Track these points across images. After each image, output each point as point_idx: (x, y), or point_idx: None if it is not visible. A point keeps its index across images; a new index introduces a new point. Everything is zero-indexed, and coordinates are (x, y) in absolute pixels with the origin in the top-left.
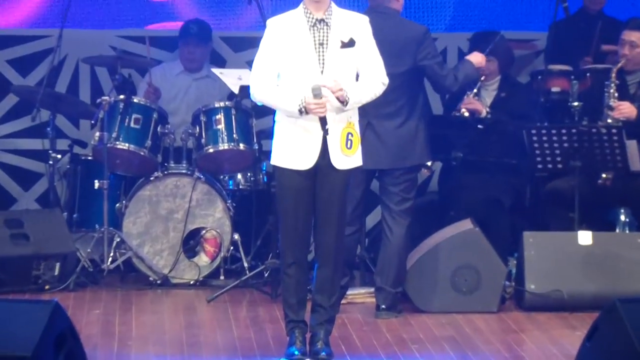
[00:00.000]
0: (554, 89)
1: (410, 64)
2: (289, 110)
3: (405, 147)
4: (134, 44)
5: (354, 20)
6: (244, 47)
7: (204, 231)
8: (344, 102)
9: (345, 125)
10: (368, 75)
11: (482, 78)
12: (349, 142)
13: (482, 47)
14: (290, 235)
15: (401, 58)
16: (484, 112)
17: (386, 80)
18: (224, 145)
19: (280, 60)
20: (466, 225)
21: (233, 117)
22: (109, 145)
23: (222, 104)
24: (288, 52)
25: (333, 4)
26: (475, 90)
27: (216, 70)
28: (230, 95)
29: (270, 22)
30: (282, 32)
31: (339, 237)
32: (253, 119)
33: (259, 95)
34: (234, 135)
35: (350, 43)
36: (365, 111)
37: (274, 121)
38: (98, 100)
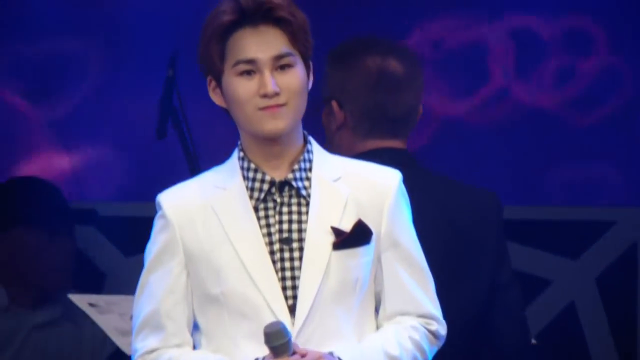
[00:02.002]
0: None
1: (487, 284)
2: None
3: None
4: None
5: (369, 180)
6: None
7: None
8: None
9: None
10: (402, 314)
11: None
12: None
13: None
14: None
15: (467, 269)
16: None
17: (443, 328)
18: None
19: (194, 287)
20: None
21: None
22: None
23: None
24: (210, 268)
25: (314, 144)
26: None
27: (78, 299)
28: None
29: (165, 202)
30: (192, 222)
31: None
32: None
33: None
34: None
35: (360, 236)
36: None
37: None
38: None
